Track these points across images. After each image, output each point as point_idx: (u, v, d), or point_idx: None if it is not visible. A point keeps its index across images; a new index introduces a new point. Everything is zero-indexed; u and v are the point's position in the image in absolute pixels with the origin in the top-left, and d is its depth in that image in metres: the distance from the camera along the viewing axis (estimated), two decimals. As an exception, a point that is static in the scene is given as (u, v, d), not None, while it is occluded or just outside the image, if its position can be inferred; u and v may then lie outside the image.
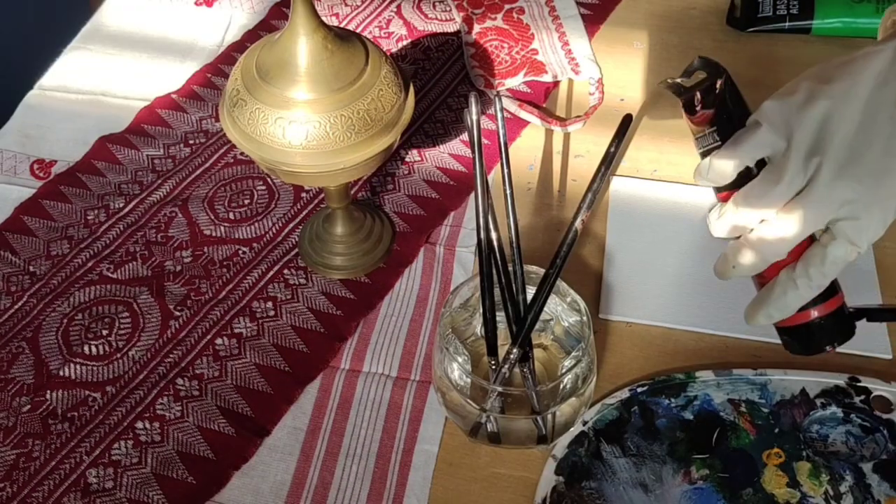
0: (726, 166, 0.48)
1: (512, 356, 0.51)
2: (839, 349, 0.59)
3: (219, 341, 0.61)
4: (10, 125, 0.77)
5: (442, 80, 0.80)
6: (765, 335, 0.59)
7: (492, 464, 0.55)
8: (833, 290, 0.50)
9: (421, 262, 0.66)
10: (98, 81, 0.81)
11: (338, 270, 0.64)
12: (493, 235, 0.50)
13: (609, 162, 0.48)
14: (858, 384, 0.56)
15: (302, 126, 0.51)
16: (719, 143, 0.49)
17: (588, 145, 0.74)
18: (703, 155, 0.50)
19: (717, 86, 0.49)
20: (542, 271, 0.52)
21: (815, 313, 0.49)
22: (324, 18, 0.52)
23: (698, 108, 0.50)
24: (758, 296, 0.49)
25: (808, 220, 0.45)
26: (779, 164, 0.46)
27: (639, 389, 0.57)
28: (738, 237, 0.48)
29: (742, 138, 0.47)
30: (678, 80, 0.52)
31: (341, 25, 0.85)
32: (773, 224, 0.46)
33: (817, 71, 0.47)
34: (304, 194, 0.70)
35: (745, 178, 0.48)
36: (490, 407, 0.51)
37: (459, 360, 0.52)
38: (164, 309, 0.63)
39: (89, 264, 0.65)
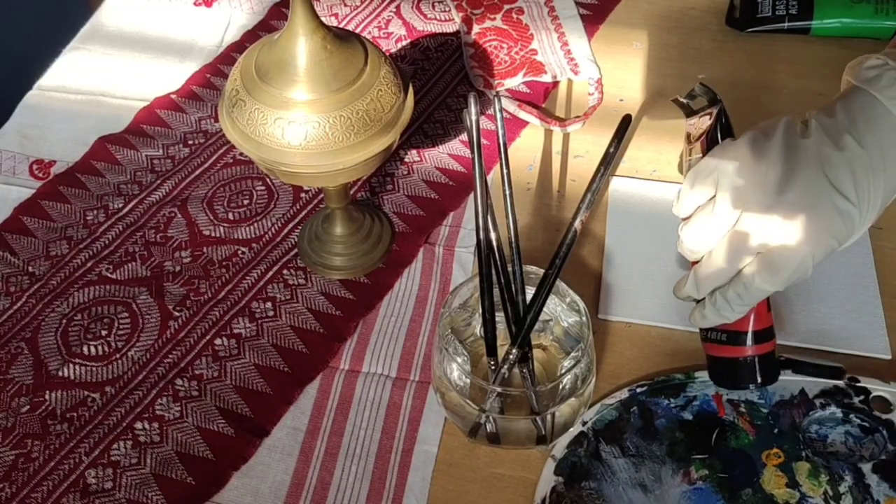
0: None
1: (511, 357, 0.51)
2: (836, 350, 0.59)
3: (218, 342, 0.61)
4: (10, 125, 0.77)
5: (441, 80, 0.80)
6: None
7: (491, 464, 0.55)
8: (771, 334, 0.53)
9: (420, 262, 0.66)
10: (97, 82, 0.81)
11: (337, 271, 0.64)
12: (493, 236, 0.50)
13: (608, 162, 0.48)
14: (858, 384, 0.56)
15: (301, 126, 0.51)
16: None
17: (587, 145, 0.74)
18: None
19: (712, 115, 0.54)
20: (541, 271, 0.52)
21: (748, 351, 0.53)
22: (323, 19, 0.52)
23: (694, 137, 0.55)
24: (695, 307, 0.54)
25: (734, 253, 0.50)
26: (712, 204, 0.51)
27: (638, 390, 0.57)
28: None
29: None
30: (685, 101, 0.57)
31: (340, 26, 0.85)
32: (710, 256, 0.51)
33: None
34: (303, 194, 0.70)
35: None
36: (489, 407, 0.51)
37: (459, 360, 0.52)
38: (163, 309, 0.62)
39: (88, 265, 0.65)
